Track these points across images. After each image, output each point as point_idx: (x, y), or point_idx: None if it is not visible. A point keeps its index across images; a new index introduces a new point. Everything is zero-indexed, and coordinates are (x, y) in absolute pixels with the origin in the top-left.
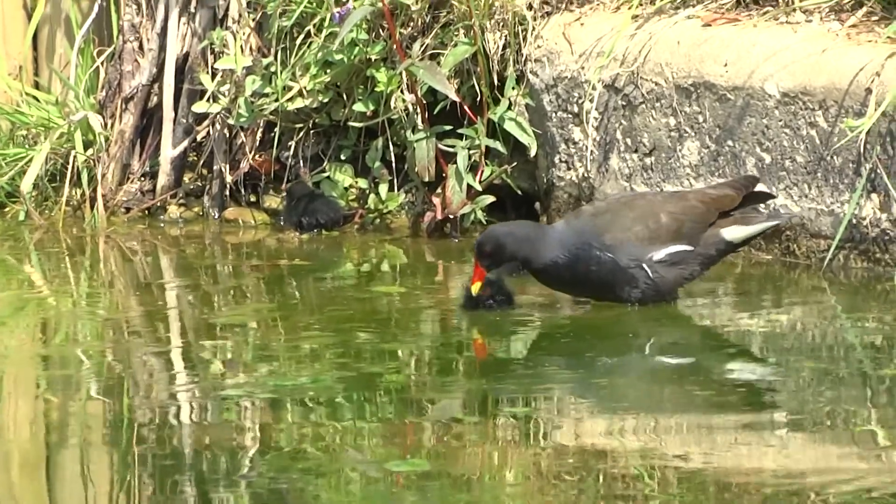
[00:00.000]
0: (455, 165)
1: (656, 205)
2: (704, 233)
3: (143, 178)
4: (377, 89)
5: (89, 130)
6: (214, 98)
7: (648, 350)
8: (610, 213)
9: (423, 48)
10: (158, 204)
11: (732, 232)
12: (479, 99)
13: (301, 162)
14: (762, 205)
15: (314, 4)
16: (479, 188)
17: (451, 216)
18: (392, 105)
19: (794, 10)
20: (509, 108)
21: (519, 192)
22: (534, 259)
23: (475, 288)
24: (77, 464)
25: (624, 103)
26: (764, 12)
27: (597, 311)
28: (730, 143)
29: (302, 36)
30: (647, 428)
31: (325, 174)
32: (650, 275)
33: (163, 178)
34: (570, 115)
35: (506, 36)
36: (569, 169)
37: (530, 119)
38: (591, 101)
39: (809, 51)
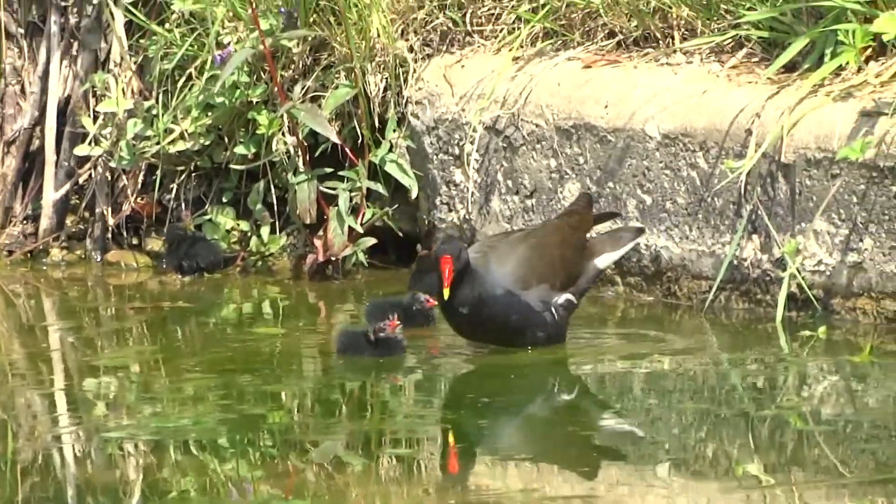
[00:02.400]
0: (336, 208)
1: (550, 246)
2: (585, 267)
3: (25, 221)
4: (258, 132)
5: None
6: (96, 141)
7: (530, 391)
8: (516, 257)
9: (304, 91)
10: (41, 247)
11: (604, 260)
12: (360, 141)
13: (183, 204)
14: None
15: (195, 47)
16: (361, 230)
17: (333, 258)
18: (273, 147)
19: (675, 51)
20: (390, 150)
21: (400, 234)
22: (486, 285)
23: (447, 292)
24: None
25: (505, 145)
26: (644, 54)
27: (481, 354)
28: (611, 184)
29: (183, 79)
30: (530, 469)
31: (207, 217)
32: (555, 317)
33: (45, 221)
34: (451, 157)
35: (387, 78)
36: (450, 211)
37: (411, 161)
38: (472, 142)
39: (690, 92)
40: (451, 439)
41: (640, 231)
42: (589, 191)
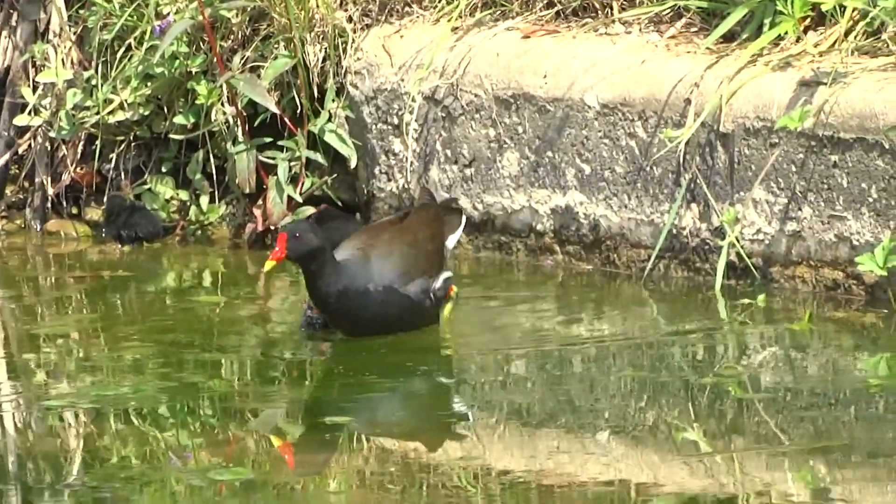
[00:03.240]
0: (276, 177)
1: (424, 241)
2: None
3: None
4: (198, 102)
5: None
6: (36, 111)
7: (468, 359)
8: (397, 255)
9: (243, 61)
10: None
11: (451, 241)
12: (299, 111)
13: (122, 174)
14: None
15: (135, 18)
16: (300, 199)
17: (272, 227)
18: (213, 117)
19: (614, 21)
20: (329, 120)
21: (339, 204)
22: (324, 278)
23: (268, 265)
24: None
25: (444, 115)
26: (583, 24)
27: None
28: (549, 154)
29: (123, 49)
30: (469, 437)
31: (147, 186)
32: (433, 301)
33: None
34: (390, 127)
35: (326, 48)
36: (389, 180)
37: (350, 131)
38: (411, 112)
39: (629, 62)
40: (389, 407)
41: (461, 211)
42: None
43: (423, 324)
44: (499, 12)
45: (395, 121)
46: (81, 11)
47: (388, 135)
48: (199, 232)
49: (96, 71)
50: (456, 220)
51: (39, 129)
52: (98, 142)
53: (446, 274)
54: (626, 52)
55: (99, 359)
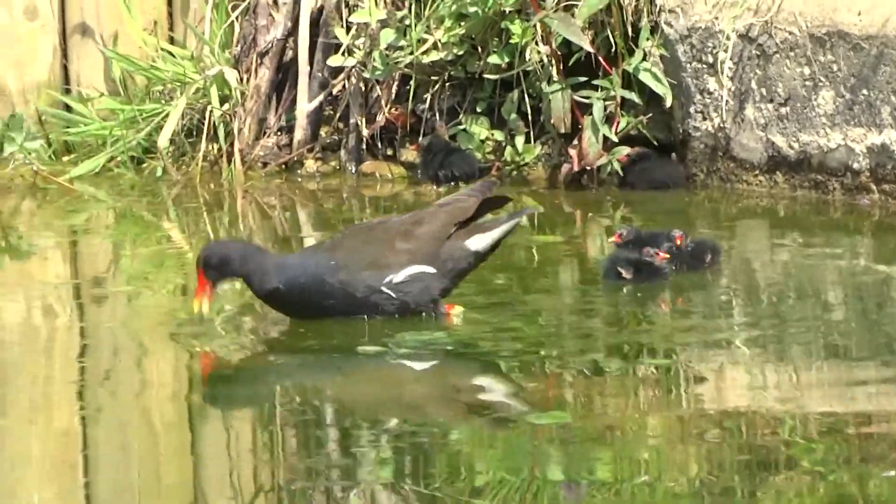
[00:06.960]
0: (591, 117)
1: (391, 233)
2: (441, 248)
3: (279, 133)
4: (512, 41)
5: (225, 85)
6: (349, 51)
7: (784, 300)
8: (345, 248)
9: (557, 0)
10: (295, 158)
11: (477, 242)
12: (613, 50)
13: (437, 115)
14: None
15: None
16: (615, 139)
17: (588, 167)
18: (527, 57)
19: None
20: (644, 58)
21: (655, 143)
22: (256, 282)
23: (196, 305)
24: (223, 419)
25: (758, 53)
26: None
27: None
28: (864, 91)
29: None
30: (783, 383)
31: (462, 127)
32: (393, 295)
33: (299, 133)
34: (704, 66)
35: None
36: (704, 119)
37: (665, 69)
38: (726, 51)
39: None
40: (713, 351)
41: (524, 212)
42: (492, 181)
43: (393, 312)
44: None
45: (710, 59)
46: None
47: (703, 73)
48: (515, 172)
49: (410, 10)
50: (501, 221)
51: (353, 70)
52: (412, 82)
53: (414, 269)
54: None
55: None
